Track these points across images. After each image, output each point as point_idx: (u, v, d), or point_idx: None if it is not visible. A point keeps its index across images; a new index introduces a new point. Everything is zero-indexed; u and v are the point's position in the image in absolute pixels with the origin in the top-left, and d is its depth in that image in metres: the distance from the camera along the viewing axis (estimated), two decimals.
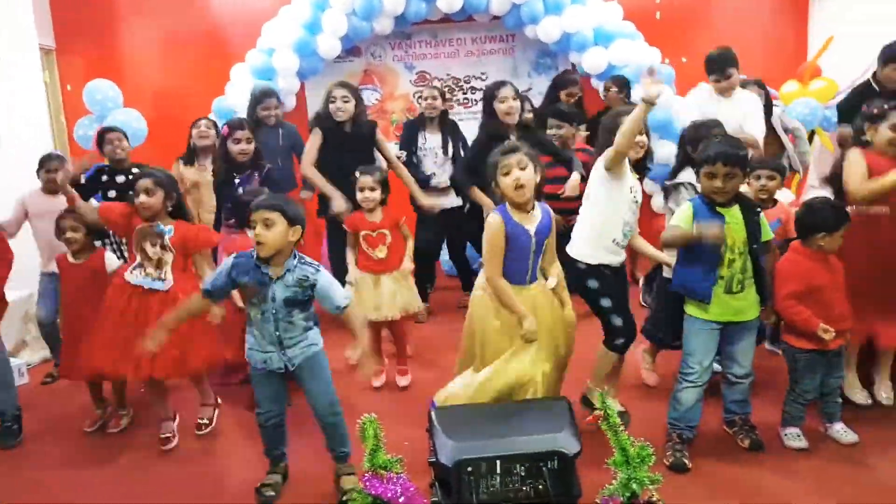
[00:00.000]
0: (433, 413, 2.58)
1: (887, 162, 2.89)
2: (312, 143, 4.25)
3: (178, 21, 5.73)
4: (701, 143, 2.89)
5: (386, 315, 3.51)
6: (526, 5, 5.26)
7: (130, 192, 3.79)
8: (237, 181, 3.84)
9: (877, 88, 4.14)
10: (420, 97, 4.56)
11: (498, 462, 2.38)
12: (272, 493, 2.62)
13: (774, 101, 4.78)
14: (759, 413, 2.92)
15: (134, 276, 3.07)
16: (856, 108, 3.99)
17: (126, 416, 3.38)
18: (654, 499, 2.07)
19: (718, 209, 2.66)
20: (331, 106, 4.14)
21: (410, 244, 3.67)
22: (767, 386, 3.17)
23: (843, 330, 2.75)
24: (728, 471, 2.68)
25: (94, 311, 3.15)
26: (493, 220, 2.63)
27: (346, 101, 4.13)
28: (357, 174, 3.53)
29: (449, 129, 4.67)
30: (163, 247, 3.07)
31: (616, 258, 2.93)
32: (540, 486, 2.37)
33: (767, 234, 2.74)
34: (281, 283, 2.51)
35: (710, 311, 2.68)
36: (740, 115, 4.08)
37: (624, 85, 5.01)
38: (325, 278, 2.55)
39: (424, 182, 4.53)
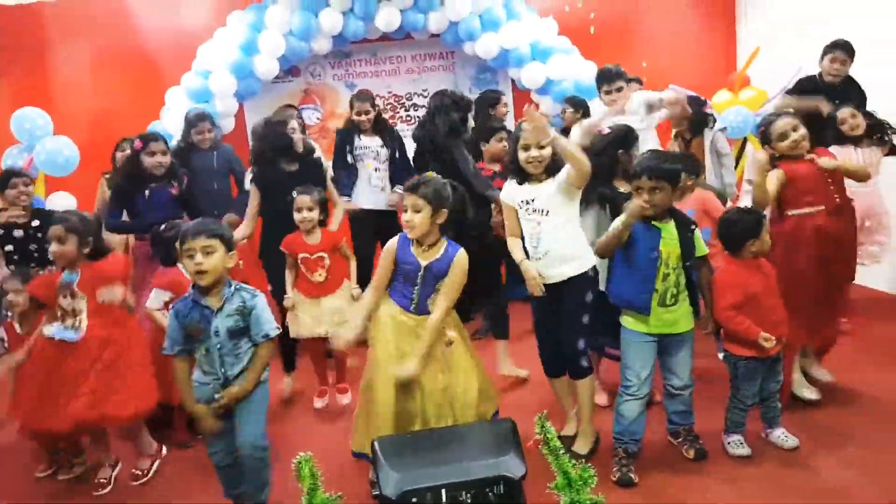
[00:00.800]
0: (376, 444, 2.54)
1: (801, 168, 3.06)
2: (253, 201, 3.93)
3: (112, 45, 5.57)
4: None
5: (326, 330, 3.43)
6: (463, 22, 5.30)
7: (33, 245, 3.79)
8: (146, 192, 3.74)
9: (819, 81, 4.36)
10: (353, 110, 4.49)
11: (443, 491, 2.35)
12: None
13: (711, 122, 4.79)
14: (706, 421, 2.96)
15: (49, 330, 2.95)
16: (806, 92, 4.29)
17: (79, 465, 3.22)
18: None
19: (654, 223, 2.70)
20: (355, 118, 4.36)
21: (353, 267, 3.60)
22: (713, 394, 3.19)
23: (780, 335, 2.81)
24: (674, 482, 2.72)
25: None
26: (389, 242, 2.72)
27: (297, 132, 3.96)
28: (294, 194, 3.45)
29: (389, 130, 4.59)
30: (73, 295, 2.92)
31: (544, 272, 2.86)
32: None
33: (702, 249, 2.80)
34: (222, 314, 2.47)
35: (646, 323, 2.72)
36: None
37: (580, 105, 5.01)
38: (261, 302, 2.53)
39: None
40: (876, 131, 3.87)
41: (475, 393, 2.71)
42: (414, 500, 2.32)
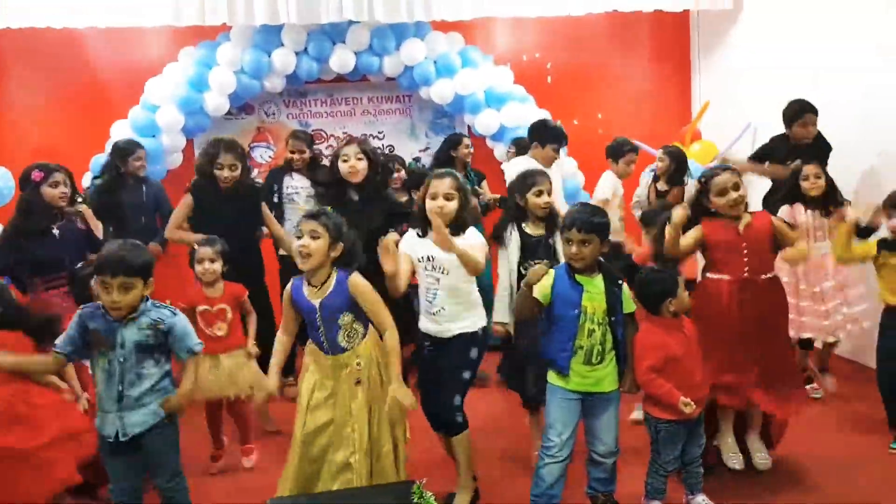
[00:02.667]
0: None
1: (723, 231, 2.99)
2: (182, 209, 3.92)
3: (59, 77, 5.48)
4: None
5: (227, 394, 3.26)
6: (419, 67, 5.31)
7: None
8: (55, 231, 3.51)
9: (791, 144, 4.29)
10: (288, 149, 4.42)
11: None
12: None
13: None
14: (627, 484, 2.86)
15: None
16: (770, 153, 4.30)
17: None
18: None
19: (578, 278, 2.64)
20: (217, 172, 3.80)
21: (253, 320, 3.41)
22: (636, 456, 3.07)
23: (702, 397, 2.74)
24: None
25: None
26: (287, 287, 2.70)
27: (233, 170, 3.79)
28: (196, 245, 3.31)
29: (320, 174, 4.39)
30: None
31: (432, 326, 2.86)
32: None
33: (629, 306, 2.73)
34: (133, 325, 2.40)
35: (569, 381, 2.64)
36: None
37: (526, 148, 5.01)
38: (182, 321, 2.49)
39: None
40: (829, 197, 3.81)
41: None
42: None
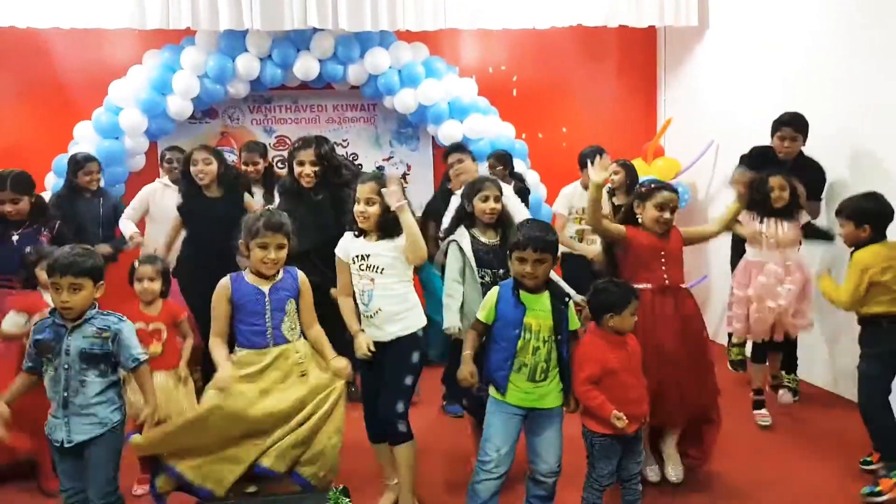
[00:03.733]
0: None
1: (646, 238, 3.09)
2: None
3: (23, 77, 5.43)
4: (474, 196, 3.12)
5: (160, 415, 3.06)
6: (383, 76, 5.34)
7: None
8: (14, 238, 3.54)
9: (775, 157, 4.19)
10: (239, 161, 4.46)
11: None
12: None
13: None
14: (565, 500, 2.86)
15: None
16: (755, 161, 4.09)
17: None
18: None
19: (522, 297, 2.65)
20: (192, 169, 3.94)
21: (189, 345, 3.34)
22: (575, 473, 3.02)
23: (639, 414, 2.75)
24: None
25: None
26: (219, 285, 2.73)
27: (207, 164, 3.93)
28: (136, 264, 3.28)
29: (273, 184, 4.39)
30: None
31: (372, 331, 2.87)
32: None
33: (574, 323, 2.74)
34: (78, 332, 2.43)
35: (509, 396, 2.65)
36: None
37: (505, 159, 4.97)
38: (129, 328, 2.51)
39: None
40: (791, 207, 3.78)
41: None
42: None
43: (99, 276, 2.48)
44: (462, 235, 3.18)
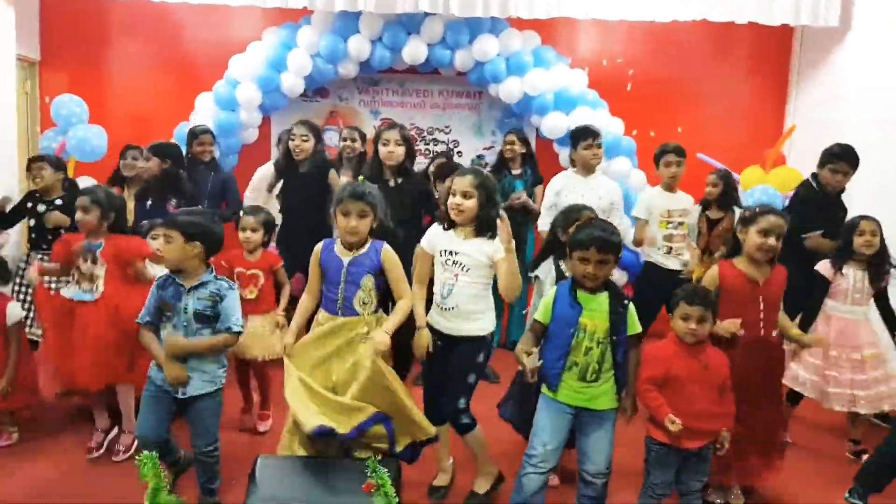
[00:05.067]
0: (258, 461, 2.56)
1: (738, 279, 2.83)
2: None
3: (155, 46, 5.86)
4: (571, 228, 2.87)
5: (253, 353, 3.44)
6: (490, 64, 5.28)
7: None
8: (147, 203, 3.88)
9: (816, 189, 4.00)
10: (340, 138, 4.57)
11: None
12: None
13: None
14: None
15: (67, 291, 3.23)
16: (800, 214, 3.87)
17: (15, 434, 3.41)
18: None
19: (579, 297, 2.56)
20: (290, 143, 4.27)
21: (286, 292, 3.59)
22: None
23: (704, 430, 2.57)
24: None
25: None
26: (316, 247, 2.85)
27: (304, 140, 4.20)
28: (242, 213, 3.52)
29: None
30: (94, 261, 3.19)
31: (441, 321, 2.84)
32: None
33: (634, 327, 2.60)
34: (194, 294, 2.64)
35: (560, 394, 2.58)
36: (603, 202, 4.04)
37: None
38: (234, 296, 2.70)
39: None
40: (877, 261, 3.47)
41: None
42: None
43: (191, 234, 2.64)
44: (548, 273, 3.07)
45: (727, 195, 4.41)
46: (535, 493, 2.59)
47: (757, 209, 2.89)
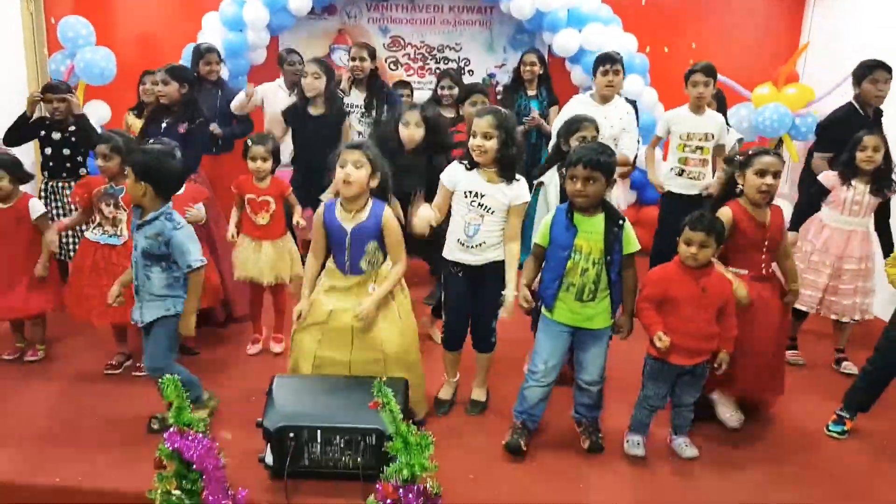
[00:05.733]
0: (274, 379, 2.70)
1: (750, 222, 2.88)
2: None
3: None
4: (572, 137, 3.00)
5: (265, 280, 3.55)
6: None
7: (66, 151, 4.13)
8: (162, 125, 3.86)
9: (860, 111, 4.05)
10: (348, 57, 4.47)
11: (319, 432, 2.49)
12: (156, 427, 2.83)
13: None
14: (616, 418, 2.96)
15: (92, 234, 3.33)
16: (837, 132, 3.92)
17: (42, 350, 3.58)
18: (431, 485, 2.14)
19: (575, 219, 2.66)
20: (302, 80, 4.15)
21: (299, 210, 3.65)
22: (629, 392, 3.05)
23: (697, 349, 2.71)
24: (557, 464, 2.75)
25: (16, 251, 3.40)
26: (318, 210, 2.84)
27: (316, 78, 4.09)
28: (249, 143, 3.53)
29: (377, 89, 4.50)
30: (116, 206, 3.27)
31: (466, 257, 2.91)
32: (358, 459, 2.49)
33: (630, 246, 2.69)
34: (142, 231, 2.69)
35: (557, 314, 2.72)
36: (615, 129, 3.97)
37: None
38: (181, 235, 2.68)
39: None
40: (879, 176, 3.51)
41: (395, 347, 2.81)
42: (291, 435, 2.47)
43: (141, 173, 2.64)
44: (552, 179, 3.15)
45: (720, 112, 4.37)
46: (537, 403, 2.80)
47: (750, 152, 2.91)
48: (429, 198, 3.14)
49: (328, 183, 3.08)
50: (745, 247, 2.92)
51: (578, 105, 4.04)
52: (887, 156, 3.52)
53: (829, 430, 3.07)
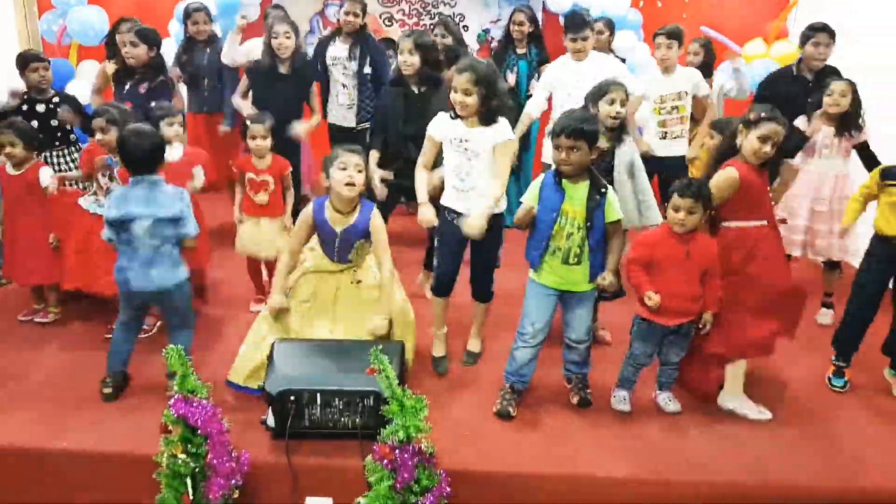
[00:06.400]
0: (275, 344, 2.82)
1: (755, 176, 2.88)
2: (245, 81, 4.36)
3: None
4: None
5: (264, 255, 3.66)
6: None
7: (53, 122, 4.06)
8: (126, 86, 3.97)
9: (797, 72, 4.12)
10: (340, 9, 4.45)
11: (318, 395, 2.62)
12: (109, 391, 2.93)
13: (720, 69, 4.68)
14: (605, 375, 3.09)
15: (84, 201, 3.42)
16: (773, 91, 4.06)
17: (53, 313, 3.68)
18: (426, 446, 2.28)
19: (564, 184, 2.74)
20: (273, 41, 4.13)
21: (290, 197, 3.71)
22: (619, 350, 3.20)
23: (683, 310, 2.81)
24: (547, 420, 2.89)
25: (30, 218, 3.49)
26: (306, 209, 2.93)
27: (287, 38, 4.11)
28: (248, 122, 3.57)
29: (361, 41, 4.48)
30: (111, 178, 3.35)
31: (460, 203, 3.02)
32: (357, 420, 2.63)
33: (612, 215, 2.76)
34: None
35: (544, 277, 2.83)
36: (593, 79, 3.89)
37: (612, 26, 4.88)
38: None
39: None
40: (845, 120, 3.60)
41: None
42: (292, 398, 2.60)
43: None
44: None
45: (708, 65, 4.45)
46: (527, 363, 2.94)
47: (762, 114, 2.85)
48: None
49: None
50: (757, 201, 2.91)
51: (555, 63, 4.12)
52: (855, 101, 3.59)
53: (832, 385, 3.20)
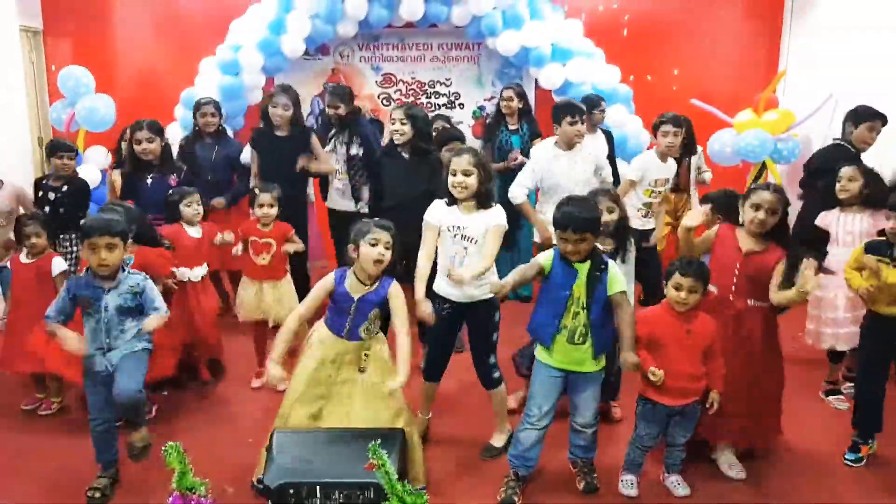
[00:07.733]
0: (274, 434, 2.79)
1: (732, 245, 2.94)
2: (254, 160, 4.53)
3: (157, 12, 5.91)
4: None
5: (270, 317, 3.73)
6: (486, 17, 5.32)
7: (62, 209, 4.18)
8: (148, 181, 4.07)
9: (850, 149, 4.07)
10: (326, 104, 4.60)
11: (318, 488, 2.58)
12: (99, 496, 2.85)
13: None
14: (612, 456, 3.05)
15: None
16: (825, 165, 3.96)
17: (57, 403, 3.66)
18: None
19: (574, 264, 2.76)
20: (270, 109, 4.33)
21: (299, 244, 3.87)
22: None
23: (686, 389, 2.79)
24: None
25: (37, 307, 3.34)
26: (328, 277, 2.89)
27: (286, 110, 4.30)
28: (257, 191, 3.72)
29: (349, 125, 4.49)
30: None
31: (454, 291, 3.03)
32: None
33: (614, 287, 2.76)
34: (115, 292, 2.81)
35: (553, 357, 2.81)
36: (587, 173, 4.03)
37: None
38: (151, 285, 2.89)
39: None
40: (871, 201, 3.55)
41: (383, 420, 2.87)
42: (291, 492, 2.57)
43: (126, 237, 2.81)
44: None
45: (688, 143, 4.49)
46: (532, 446, 2.88)
47: (754, 186, 2.98)
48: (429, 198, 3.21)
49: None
50: (718, 268, 2.94)
51: (545, 154, 4.04)
52: (875, 181, 3.57)
53: (845, 459, 3.15)
